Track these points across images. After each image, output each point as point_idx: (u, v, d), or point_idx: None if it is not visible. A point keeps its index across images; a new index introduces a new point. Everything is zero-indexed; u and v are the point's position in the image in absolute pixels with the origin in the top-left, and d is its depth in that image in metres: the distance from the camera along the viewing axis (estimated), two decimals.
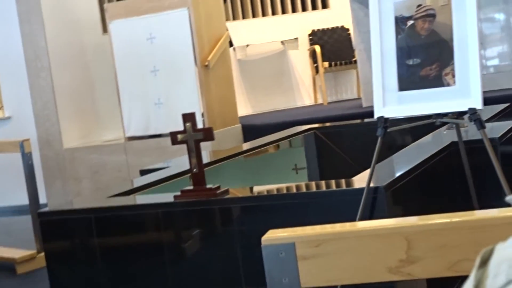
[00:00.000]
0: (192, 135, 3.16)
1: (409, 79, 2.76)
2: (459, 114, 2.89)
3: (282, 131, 5.77)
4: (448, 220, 1.27)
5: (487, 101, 3.15)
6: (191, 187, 3.21)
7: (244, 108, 8.55)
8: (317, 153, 5.61)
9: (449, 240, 1.25)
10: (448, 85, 2.70)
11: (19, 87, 7.71)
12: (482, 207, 3.13)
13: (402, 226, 1.29)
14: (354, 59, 8.25)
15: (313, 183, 3.39)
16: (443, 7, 2.70)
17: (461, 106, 2.66)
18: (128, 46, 6.73)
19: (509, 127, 4.02)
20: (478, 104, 2.62)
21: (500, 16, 6.99)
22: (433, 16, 2.73)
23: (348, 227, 1.38)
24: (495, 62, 7.05)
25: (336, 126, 5.88)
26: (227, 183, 3.33)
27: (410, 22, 2.77)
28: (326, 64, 8.54)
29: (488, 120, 4.43)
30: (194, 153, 3.19)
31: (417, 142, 4.13)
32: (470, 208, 3.15)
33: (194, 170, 3.20)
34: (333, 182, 3.30)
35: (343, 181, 3.20)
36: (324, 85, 8.61)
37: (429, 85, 2.73)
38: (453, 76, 2.67)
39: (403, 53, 2.76)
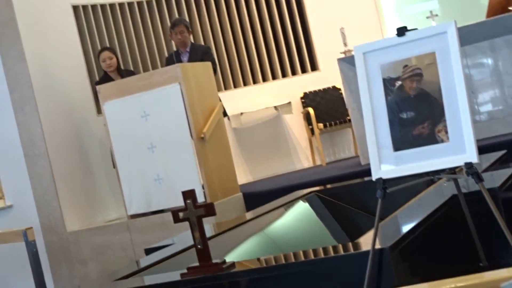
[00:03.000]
0: (193, 211, 3.17)
1: (403, 139, 2.78)
2: (456, 168, 2.90)
3: (284, 197, 5.77)
4: (457, 285, 1.26)
5: (483, 149, 3.18)
6: (197, 264, 3.21)
7: (243, 176, 8.57)
8: (325, 213, 5.59)
9: None
10: (442, 141, 2.72)
11: (18, 175, 7.73)
12: (490, 259, 3.12)
13: None
14: (348, 117, 8.30)
15: (320, 249, 3.38)
16: (429, 65, 2.74)
17: (457, 161, 2.68)
18: (123, 125, 6.77)
19: (509, 175, 4.02)
20: (473, 158, 2.63)
21: (489, 62, 7.06)
22: (420, 75, 2.77)
23: None
24: (488, 108, 7.08)
25: (337, 187, 5.88)
26: (234, 256, 3.33)
27: (398, 83, 2.81)
28: (321, 125, 8.59)
29: (487, 169, 4.44)
30: (197, 229, 3.19)
31: (418, 196, 4.12)
32: (478, 261, 3.14)
33: (199, 246, 3.20)
34: (340, 246, 3.29)
35: (350, 244, 3.20)
36: (321, 146, 8.65)
37: (423, 143, 2.75)
38: (446, 132, 2.70)
39: (394, 114, 2.80)
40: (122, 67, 7.79)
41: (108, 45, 8.31)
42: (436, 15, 8.47)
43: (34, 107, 7.39)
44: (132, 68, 8.33)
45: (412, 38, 2.81)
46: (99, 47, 8.31)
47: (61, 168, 7.47)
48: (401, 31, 2.83)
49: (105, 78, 7.49)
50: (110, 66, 7.55)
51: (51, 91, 7.65)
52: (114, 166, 7.37)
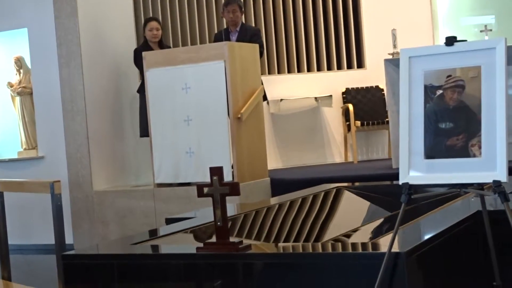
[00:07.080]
0: (218, 189, 3.19)
1: (435, 148, 2.78)
2: (484, 184, 2.89)
3: (310, 188, 5.78)
4: None
5: None
6: (214, 240, 3.24)
7: (274, 162, 8.58)
8: (353, 202, 5.57)
9: None
10: (474, 156, 2.71)
11: (54, 128, 7.84)
12: (504, 280, 3.11)
13: None
14: (386, 119, 8.27)
15: (339, 244, 3.39)
16: (473, 79, 2.73)
17: (486, 178, 2.67)
18: (163, 94, 6.82)
19: None
20: (503, 177, 2.63)
21: None
22: (462, 87, 2.76)
23: None
24: None
25: (365, 186, 5.86)
26: (252, 238, 3.35)
27: (439, 92, 2.80)
28: (359, 123, 8.58)
29: None
30: (219, 206, 3.22)
31: (444, 207, 4.11)
32: (492, 280, 3.13)
33: (218, 223, 3.23)
34: (359, 244, 3.30)
35: (369, 243, 3.20)
36: (355, 143, 8.63)
37: (455, 155, 2.75)
38: (479, 147, 2.69)
39: (430, 122, 2.79)
40: (163, 41, 7.85)
41: (160, 16, 8.36)
42: (490, 30, 8.39)
43: (79, 64, 7.46)
44: (172, 44, 8.37)
45: (460, 49, 2.80)
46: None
47: (95, 127, 7.54)
48: (450, 41, 2.82)
49: (145, 47, 7.52)
50: (155, 37, 7.60)
51: (97, 51, 7.71)
52: (141, 135, 7.46)
